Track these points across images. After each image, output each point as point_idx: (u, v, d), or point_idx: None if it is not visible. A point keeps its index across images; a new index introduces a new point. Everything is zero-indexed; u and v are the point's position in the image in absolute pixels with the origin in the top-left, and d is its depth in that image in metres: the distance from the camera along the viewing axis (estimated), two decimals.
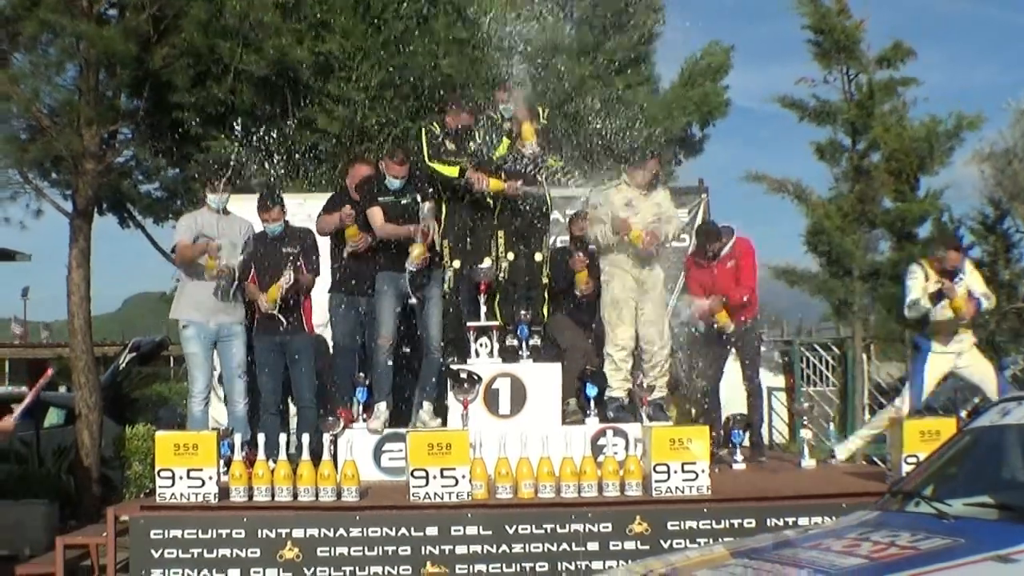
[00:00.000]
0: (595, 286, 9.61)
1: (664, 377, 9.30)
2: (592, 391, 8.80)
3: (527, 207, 9.50)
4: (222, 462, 7.46)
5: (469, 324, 8.92)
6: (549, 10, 16.20)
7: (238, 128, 14.48)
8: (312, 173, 15.23)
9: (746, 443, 9.19)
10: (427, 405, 8.84)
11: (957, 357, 9.50)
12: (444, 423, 8.74)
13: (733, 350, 10.06)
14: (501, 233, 9.53)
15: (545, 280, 9.75)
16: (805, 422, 9.25)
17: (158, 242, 16.50)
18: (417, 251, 8.59)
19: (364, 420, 8.60)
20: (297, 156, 15.17)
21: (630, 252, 9.35)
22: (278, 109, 14.83)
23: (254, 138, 14.46)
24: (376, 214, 8.88)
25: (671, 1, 17.16)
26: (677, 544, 6.99)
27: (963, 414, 12.17)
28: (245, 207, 11.30)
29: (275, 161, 14.16)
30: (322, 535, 7.01)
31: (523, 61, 10.11)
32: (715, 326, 9.73)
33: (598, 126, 13.23)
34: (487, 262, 9.19)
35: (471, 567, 7.03)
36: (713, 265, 9.79)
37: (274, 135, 14.42)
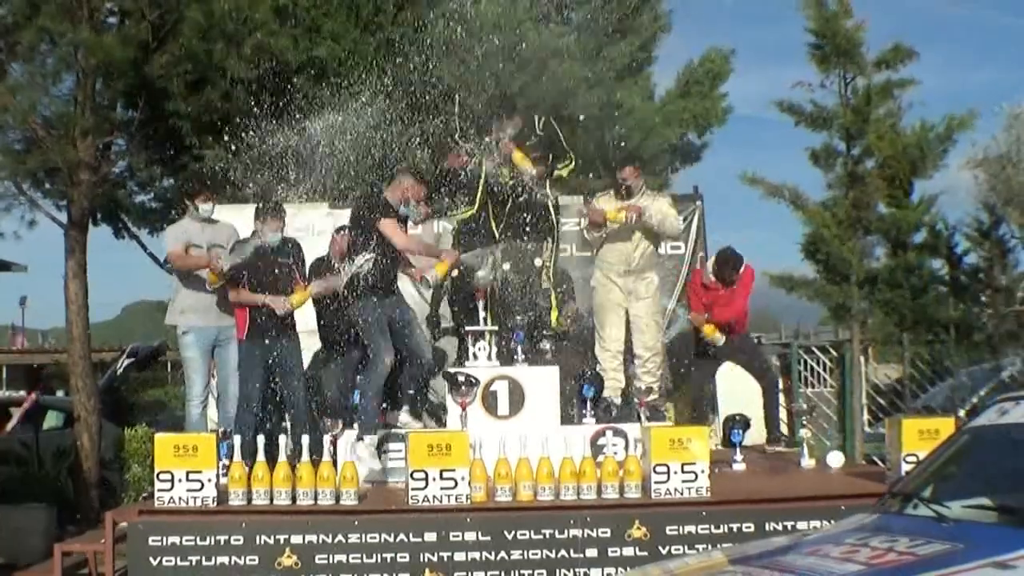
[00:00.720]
0: None
1: (657, 381, 9.44)
2: (589, 392, 8.84)
3: (530, 218, 9.61)
4: (222, 464, 7.45)
5: (467, 328, 8.95)
6: (550, 15, 16.25)
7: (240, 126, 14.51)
8: (304, 182, 15.22)
9: (746, 443, 9.23)
10: (406, 407, 8.92)
11: None
12: (426, 425, 8.89)
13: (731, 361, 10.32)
14: (500, 247, 9.65)
15: (546, 284, 9.82)
16: (805, 422, 9.25)
17: (153, 252, 16.54)
18: (443, 268, 9.07)
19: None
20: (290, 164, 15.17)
21: (616, 261, 9.67)
22: (271, 115, 14.82)
23: (247, 145, 14.51)
24: (393, 226, 8.82)
25: (672, 7, 17.10)
26: (676, 549, 6.97)
27: (961, 413, 12.21)
28: (233, 216, 11.37)
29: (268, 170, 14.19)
30: (320, 541, 6.99)
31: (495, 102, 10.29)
32: (704, 339, 10.10)
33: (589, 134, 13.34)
34: (483, 271, 9.26)
35: (470, 574, 7.01)
36: (719, 288, 9.99)
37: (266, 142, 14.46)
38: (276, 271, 9.08)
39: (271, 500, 7.24)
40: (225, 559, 6.99)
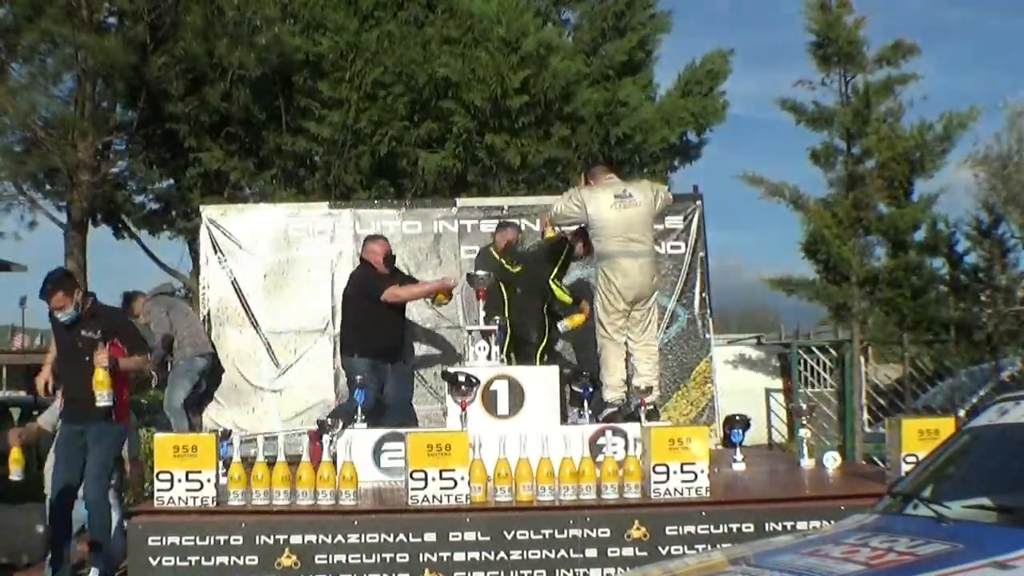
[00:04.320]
0: None
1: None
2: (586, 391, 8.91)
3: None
4: (221, 463, 7.45)
5: (468, 328, 8.95)
6: (549, 12, 16.29)
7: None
8: (306, 180, 15.25)
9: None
10: None
11: None
12: None
13: None
14: None
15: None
16: (804, 422, 9.23)
17: (153, 252, 16.58)
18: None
19: (363, 420, 8.65)
20: (290, 164, 15.20)
21: None
22: (270, 115, 14.84)
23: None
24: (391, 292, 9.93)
25: (671, 6, 17.22)
26: (676, 550, 6.95)
27: (961, 413, 12.20)
28: (247, 217, 11.42)
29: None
30: (320, 541, 6.98)
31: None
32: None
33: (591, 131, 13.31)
34: (483, 271, 9.28)
35: (469, 574, 7.01)
36: None
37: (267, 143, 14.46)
38: (78, 347, 8.30)
39: (270, 500, 7.24)
40: (225, 559, 6.98)
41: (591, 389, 9.07)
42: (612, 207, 9.40)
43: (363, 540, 6.99)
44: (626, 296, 9.32)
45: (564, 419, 8.94)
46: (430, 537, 7.00)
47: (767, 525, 7.04)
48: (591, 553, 7.02)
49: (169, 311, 10.76)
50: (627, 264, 9.35)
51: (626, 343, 9.51)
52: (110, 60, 13.08)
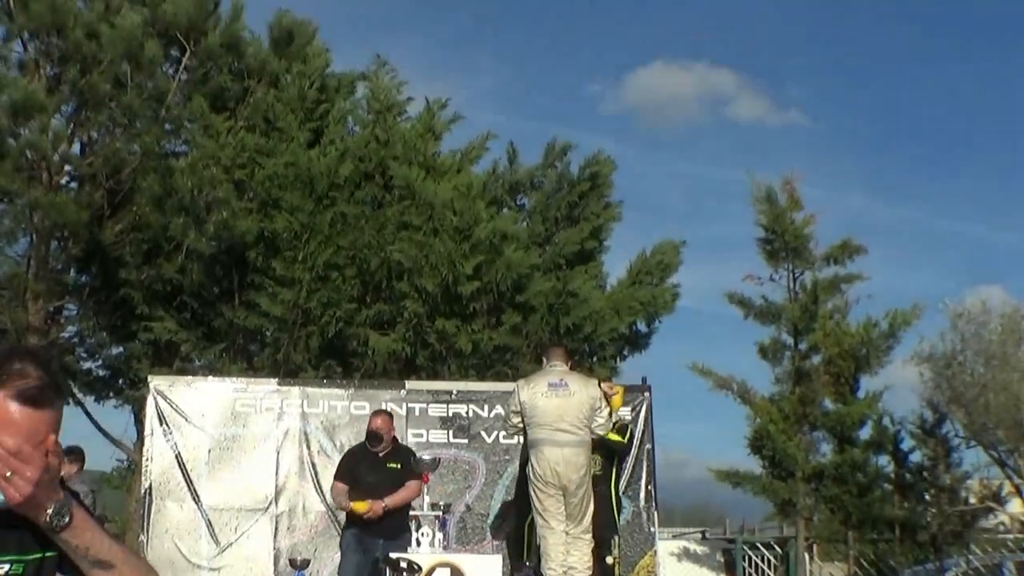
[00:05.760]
0: None
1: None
2: None
3: None
4: None
5: (412, 513, 8.82)
6: (503, 199, 16.60)
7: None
8: (255, 356, 15.21)
9: None
10: None
11: None
12: None
13: None
14: None
15: None
16: None
17: (98, 421, 16.35)
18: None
19: None
20: (241, 339, 15.17)
21: None
22: (223, 289, 14.88)
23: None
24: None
25: (623, 196, 17.61)
26: None
27: None
28: (195, 389, 11.36)
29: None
30: None
31: None
32: None
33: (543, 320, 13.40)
34: (428, 455, 9.23)
35: None
36: None
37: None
38: None
39: None
40: None
41: None
42: (544, 395, 9.33)
43: None
44: (545, 482, 9.19)
45: None
46: None
47: None
48: None
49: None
50: (550, 452, 9.21)
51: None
52: (62, 218, 13.14)
